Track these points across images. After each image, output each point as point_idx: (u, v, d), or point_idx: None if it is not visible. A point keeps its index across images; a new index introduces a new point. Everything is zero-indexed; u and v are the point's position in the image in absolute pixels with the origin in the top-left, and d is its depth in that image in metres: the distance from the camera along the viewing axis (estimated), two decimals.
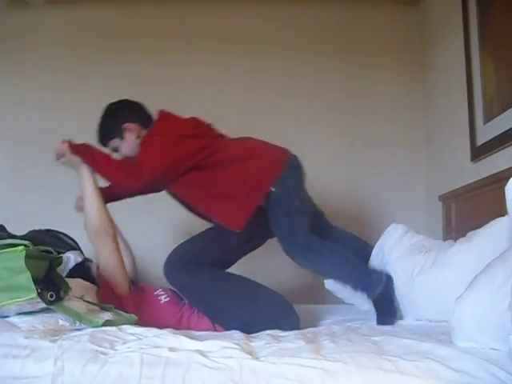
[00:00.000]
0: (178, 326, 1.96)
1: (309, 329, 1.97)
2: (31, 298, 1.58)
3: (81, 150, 2.23)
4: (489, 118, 2.59)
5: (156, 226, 3.30)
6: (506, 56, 2.45)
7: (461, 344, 1.43)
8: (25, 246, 1.64)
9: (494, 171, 2.42)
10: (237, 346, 1.45)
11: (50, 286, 1.66)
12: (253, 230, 2.25)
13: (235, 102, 3.45)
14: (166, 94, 3.42)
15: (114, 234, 2.17)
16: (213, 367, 1.32)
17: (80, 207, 2.27)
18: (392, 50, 3.55)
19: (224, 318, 2.11)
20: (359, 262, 2.28)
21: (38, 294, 1.57)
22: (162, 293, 2.22)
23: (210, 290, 2.16)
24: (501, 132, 2.44)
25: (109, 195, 2.32)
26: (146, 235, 3.30)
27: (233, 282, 2.20)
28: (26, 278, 1.56)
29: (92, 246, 2.16)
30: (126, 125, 2.30)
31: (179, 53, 3.50)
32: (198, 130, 2.32)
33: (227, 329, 2.04)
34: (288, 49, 3.52)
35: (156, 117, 2.36)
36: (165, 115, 2.34)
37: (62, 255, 1.87)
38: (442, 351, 1.37)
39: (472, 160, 2.77)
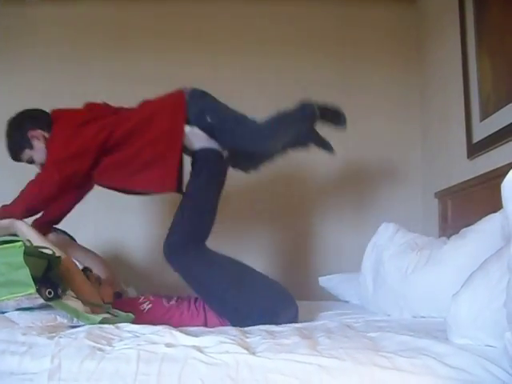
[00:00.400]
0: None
1: (304, 324, 1.98)
2: (30, 294, 1.58)
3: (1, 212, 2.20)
4: (485, 115, 2.59)
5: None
6: (502, 52, 2.46)
7: (457, 341, 1.43)
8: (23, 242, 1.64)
9: (491, 168, 2.43)
10: (233, 342, 1.46)
11: (48, 285, 1.66)
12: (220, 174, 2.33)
13: (233, 100, 3.44)
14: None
15: (68, 261, 2.07)
16: (209, 363, 1.32)
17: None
18: (389, 46, 3.55)
19: (220, 303, 2.10)
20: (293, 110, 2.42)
21: (37, 289, 1.58)
22: (144, 300, 2.20)
23: (209, 274, 2.13)
24: (497, 129, 2.44)
25: (46, 220, 2.34)
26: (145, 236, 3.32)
27: (233, 267, 2.18)
28: (25, 274, 1.57)
29: None
30: (30, 133, 2.28)
31: (178, 52, 3.47)
32: (92, 113, 2.31)
33: (221, 315, 2.05)
34: (285, 46, 3.51)
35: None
36: (57, 115, 2.33)
37: (60, 256, 1.86)
38: (439, 348, 1.37)
39: (468, 157, 2.77)
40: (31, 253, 1.64)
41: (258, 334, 1.67)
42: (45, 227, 2.31)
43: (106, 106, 2.41)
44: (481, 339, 1.40)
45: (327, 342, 1.50)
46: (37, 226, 2.24)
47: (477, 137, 2.68)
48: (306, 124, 2.45)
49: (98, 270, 2.39)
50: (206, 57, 3.46)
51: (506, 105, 2.37)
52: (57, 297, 1.67)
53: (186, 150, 2.32)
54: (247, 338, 1.59)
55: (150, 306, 2.16)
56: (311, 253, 3.41)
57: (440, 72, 3.23)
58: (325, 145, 2.57)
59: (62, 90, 3.37)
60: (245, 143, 2.34)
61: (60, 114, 2.33)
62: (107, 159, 2.23)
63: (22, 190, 2.20)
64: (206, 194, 2.26)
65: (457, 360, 1.29)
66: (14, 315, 1.62)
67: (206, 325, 2.07)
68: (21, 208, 2.16)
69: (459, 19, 2.87)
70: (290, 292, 2.18)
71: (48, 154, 2.24)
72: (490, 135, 2.52)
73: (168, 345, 1.41)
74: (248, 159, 2.52)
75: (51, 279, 1.72)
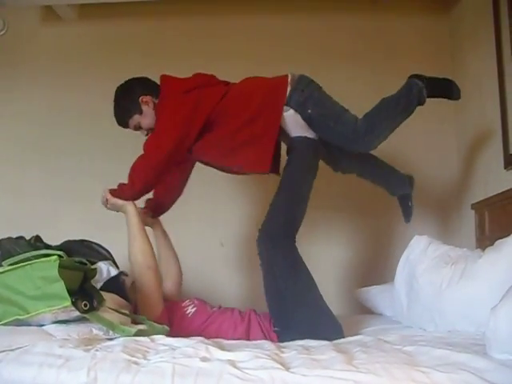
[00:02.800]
0: (202, 333, 1.93)
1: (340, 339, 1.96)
2: (65, 306, 1.60)
3: (118, 190, 2.24)
4: None
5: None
6: None
7: (496, 356, 1.40)
8: (59, 256, 1.66)
9: None
10: (268, 357, 1.45)
11: (84, 297, 1.68)
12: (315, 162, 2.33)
13: None
14: None
15: (155, 267, 2.15)
16: (244, 378, 1.31)
17: (104, 202, 2.26)
18: (422, 58, 3.48)
19: (281, 305, 2.11)
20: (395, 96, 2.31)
21: (72, 302, 1.59)
22: (189, 304, 2.21)
23: (286, 275, 2.13)
24: None
25: (157, 203, 2.47)
26: None
27: (305, 279, 2.16)
28: (60, 287, 1.59)
29: (132, 272, 2.17)
30: (141, 98, 2.33)
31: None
32: (200, 79, 2.35)
33: (274, 315, 2.09)
34: (314, 58, 3.48)
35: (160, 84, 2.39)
36: (166, 79, 2.37)
37: (96, 267, 1.89)
38: (478, 363, 1.34)
39: (505, 168, 2.73)
40: (66, 266, 1.65)
41: (293, 348, 1.66)
42: (155, 211, 2.45)
43: (212, 77, 2.43)
44: None
45: (363, 356, 1.48)
46: (149, 207, 2.38)
47: None
48: (412, 108, 2.31)
49: (172, 268, 2.46)
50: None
51: None
52: (92, 309, 1.69)
53: (283, 135, 2.32)
54: (283, 352, 1.58)
55: (194, 309, 2.18)
56: (344, 265, 3.38)
57: (475, 82, 3.17)
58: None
59: (100, 104, 3.43)
60: (341, 142, 2.31)
61: (168, 79, 2.37)
62: (207, 135, 2.26)
63: (133, 165, 2.23)
64: (303, 185, 2.26)
65: (498, 376, 1.26)
66: (51, 328, 1.64)
67: (248, 337, 2.07)
68: (132, 185, 2.20)
69: (494, 31, 2.84)
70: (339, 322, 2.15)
71: (157, 123, 2.29)
72: None
73: (203, 359, 1.41)
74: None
75: (87, 291, 1.74)
